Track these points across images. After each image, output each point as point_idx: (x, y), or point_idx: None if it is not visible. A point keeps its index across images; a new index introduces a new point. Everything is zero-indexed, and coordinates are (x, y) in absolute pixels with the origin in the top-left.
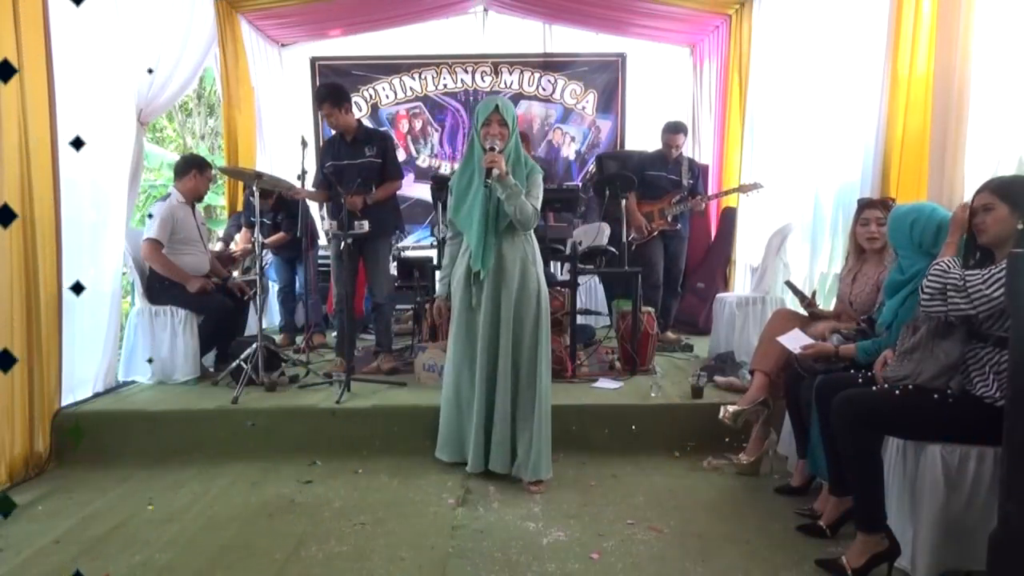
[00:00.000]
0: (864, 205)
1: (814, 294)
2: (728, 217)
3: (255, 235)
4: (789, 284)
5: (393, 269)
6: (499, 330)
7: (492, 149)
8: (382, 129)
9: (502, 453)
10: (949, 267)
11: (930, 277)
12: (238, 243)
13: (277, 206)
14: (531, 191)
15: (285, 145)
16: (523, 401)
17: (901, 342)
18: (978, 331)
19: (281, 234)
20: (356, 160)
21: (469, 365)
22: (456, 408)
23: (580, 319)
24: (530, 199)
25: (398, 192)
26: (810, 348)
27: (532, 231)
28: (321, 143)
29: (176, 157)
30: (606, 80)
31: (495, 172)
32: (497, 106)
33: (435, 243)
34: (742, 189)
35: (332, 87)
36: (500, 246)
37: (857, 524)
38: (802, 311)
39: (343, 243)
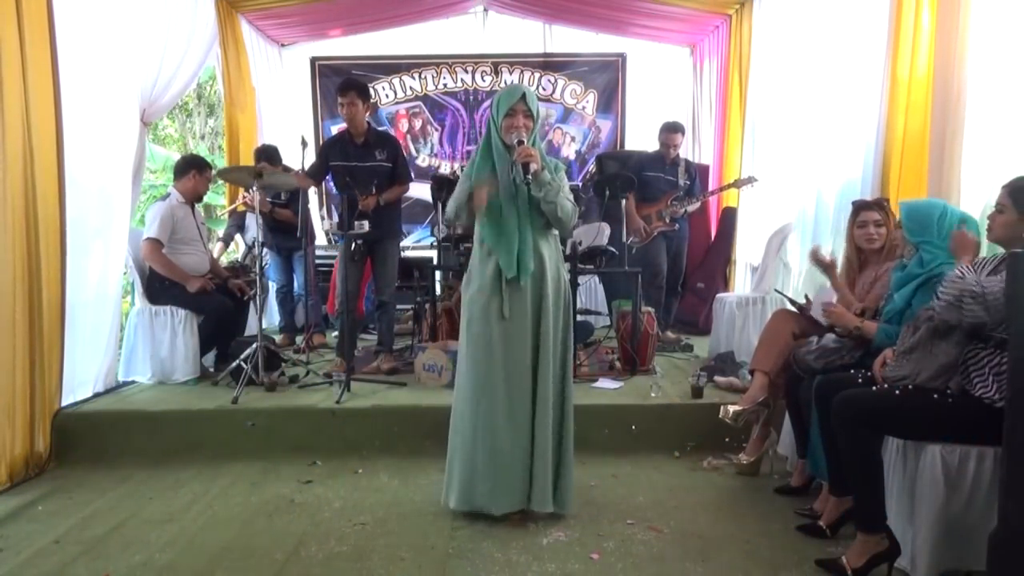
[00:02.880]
0: (860, 207)
1: (807, 298)
2: (728, 217)
3: (256, 236)
4: (780, 292)
5: None
6: (539, 345)
7: (520, 142)
8: (389, 132)
9: (543, 489)
10: (964, 274)
11: (946, 285)
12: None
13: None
14: (563, 187)
15: (285, 145)
16: (557, 426)
17: (901, 342)
18: (979, 333)
19: (288, 211)
20: (366, 163)
21: (503, 388)
22: (485, 445)
23: (580, 319)
24: (566, 193)
25: None
26: (834, 312)
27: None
28: (321, 143)
29: (178, 157)
30: (606, 80)
31: (532, 167)
32: (524, 95)
33: (435, 243)
34: (737, 184)
35: (363, 83)
36: (539, 245)
37: (857, 524)
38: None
39: (353, 244)
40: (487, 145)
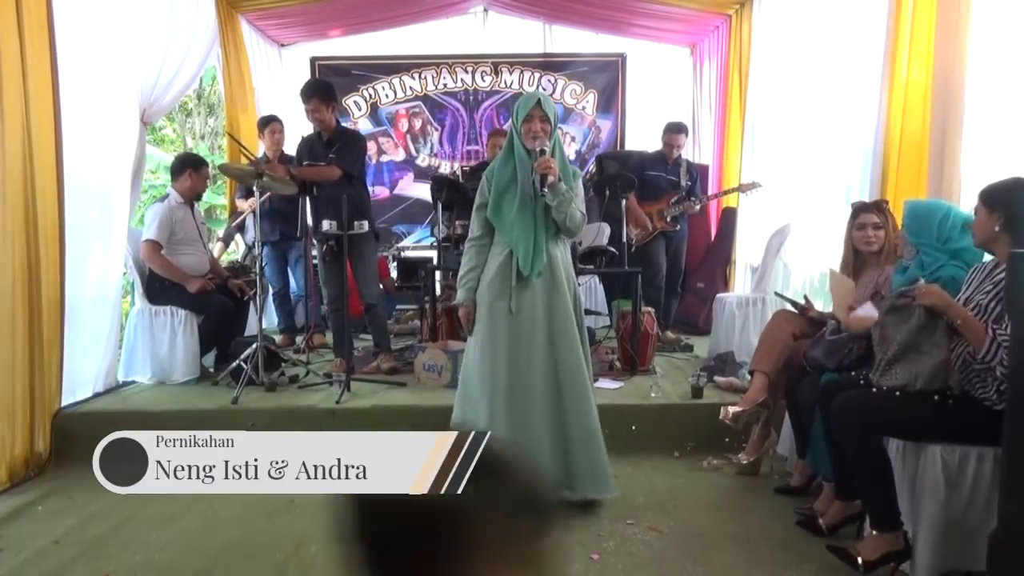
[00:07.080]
0: (859, 209)
1: (807, 299)
2: (728, 217)
3: (256, 236)
4: (780, 295)
5: (393, 271)
6: (555, 341)
7: (542, 152)
8: (354, 129)
9: (600, 476)
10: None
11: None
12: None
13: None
14: (577, 195)
15: (285, 145)
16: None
17: (882, 344)
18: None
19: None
20: (325, 160)
21: (509, 385)
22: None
23: None
24: (578, 203)
25: (397, 192)
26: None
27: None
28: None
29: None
30: (606, 80)
31: (549, 179)
32: (539, 101)
33: (435, 243)
34: (741, 189)
35: (323, 83)
36: (549, 247)
37: (873, 524)
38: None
39: (326, 245)
40: (509, 149)
